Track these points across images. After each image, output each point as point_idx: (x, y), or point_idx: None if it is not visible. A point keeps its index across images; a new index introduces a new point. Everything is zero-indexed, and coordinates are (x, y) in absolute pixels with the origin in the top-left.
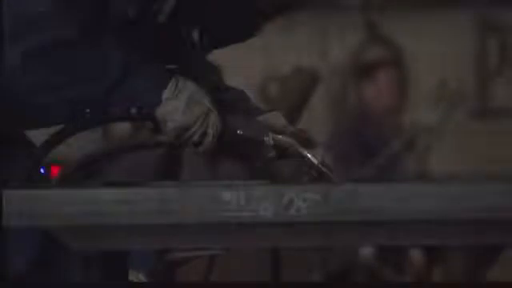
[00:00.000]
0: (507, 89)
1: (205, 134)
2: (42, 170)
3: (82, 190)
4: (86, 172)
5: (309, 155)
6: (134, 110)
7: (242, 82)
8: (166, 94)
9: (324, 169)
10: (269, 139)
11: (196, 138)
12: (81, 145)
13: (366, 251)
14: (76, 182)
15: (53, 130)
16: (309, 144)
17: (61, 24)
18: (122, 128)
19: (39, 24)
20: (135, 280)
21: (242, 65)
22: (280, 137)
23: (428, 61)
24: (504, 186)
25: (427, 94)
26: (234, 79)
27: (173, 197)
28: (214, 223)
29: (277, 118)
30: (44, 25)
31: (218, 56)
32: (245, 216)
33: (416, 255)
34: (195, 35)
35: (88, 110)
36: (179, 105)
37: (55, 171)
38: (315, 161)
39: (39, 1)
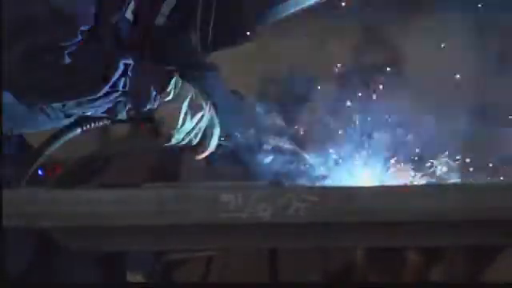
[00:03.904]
0: None
1: (203, 136)
2: (40, 172)
3: (82, 191)
4: (84, 173)
5: (307, 157)
6: (132, 112)
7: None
8: (165, 96)
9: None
10: (267, 143)
11: (195, 140)
12: (80, 146)
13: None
14: (75, 183)
15: (51, 131)
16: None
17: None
18: (121, 129)
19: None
20: (133, 281)
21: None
22: (278, 139)
23: None
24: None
25: None
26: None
27: (171, 198)
28: (212, 224)
29: (275, 120)
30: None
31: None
32: (243, 217)
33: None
34: (196, 37)
35: (87, 112)
36: (178, 107)
37: (54, 172)
38: (314, 162)
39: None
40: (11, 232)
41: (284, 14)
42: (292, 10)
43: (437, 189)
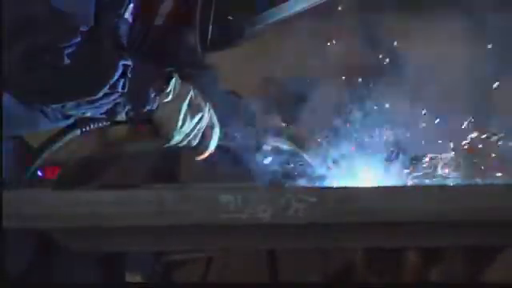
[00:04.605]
0: None
1: (203, 136)
2: (39, 173)
3: (82, 192)
4: (84, 174)
5: (306, 157)
6: (131, 113)
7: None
8: (164, 96)
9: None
10: (267, 144)
11: (194, 141)
12: (79, 147)
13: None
14: (74, 184)
15: (50, 132)
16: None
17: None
18: (120, 131)
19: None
20: (133, 281)
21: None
22: (277, 140)
23: None
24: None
25: None
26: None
27: (171, 198)
28: (212, 225)
29: (274, 120)
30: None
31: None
32: (243, 218)
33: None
34: (195, 37)
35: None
36: (178, 108)
37: (54, 173)
38: (312, 162)
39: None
40: (11, 232)
41: (284, 15)
42: (292, 11)
43: (437, 189)
